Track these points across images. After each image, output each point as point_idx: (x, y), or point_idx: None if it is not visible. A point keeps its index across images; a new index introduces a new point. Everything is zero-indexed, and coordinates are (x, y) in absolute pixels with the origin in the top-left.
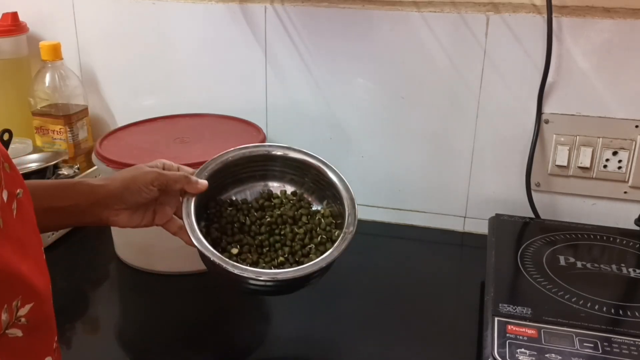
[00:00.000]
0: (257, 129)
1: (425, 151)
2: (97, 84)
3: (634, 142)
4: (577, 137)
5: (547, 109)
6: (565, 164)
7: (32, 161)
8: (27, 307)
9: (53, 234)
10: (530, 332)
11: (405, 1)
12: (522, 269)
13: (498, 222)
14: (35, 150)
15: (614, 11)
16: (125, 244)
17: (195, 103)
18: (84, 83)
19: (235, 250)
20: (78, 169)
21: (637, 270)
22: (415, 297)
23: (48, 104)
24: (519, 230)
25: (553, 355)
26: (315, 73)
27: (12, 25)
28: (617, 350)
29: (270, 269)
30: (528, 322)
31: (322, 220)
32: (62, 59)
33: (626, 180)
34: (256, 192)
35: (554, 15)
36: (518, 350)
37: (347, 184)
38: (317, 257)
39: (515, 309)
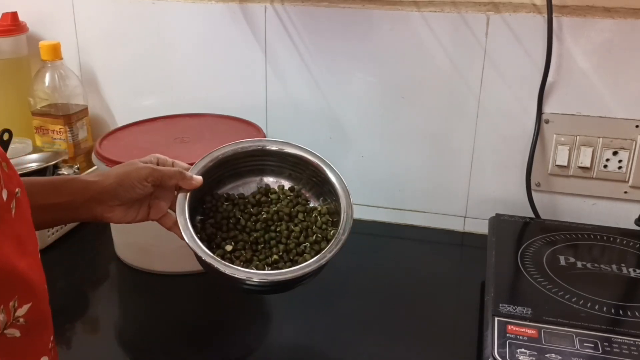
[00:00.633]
0: (257, 128)
1: (426, 151)
2: (97, 84)
3: (634, 142)
4: (578, 137)
5: (547, 109)
6: (565, 163)
7: (32, 161)
8: (26, 307)
9: (53, 234)
10: (531, 332)
11: (405, 1)
12: (522, 269)
13: (498, 222)
14: (35, 150)
15: (614, 11)
16: (125, 244)
17: (195, 103)
18: (84, 83)
19: (229, 247)
20: (78, 168)
21: (637, 270)
22: (416, 297)
23: (48, 104)
24: (519, 230)
25: (553, 355)
26: (315, 73)
27: (12, 25)
28: (617, 350)
29: (264, 267)
30: (528, 322)
31: (319, 218)
32: (61, 58)
33: (626, 180)
34: (253, 186)
35: (554, 15)
36: (518, 351)
37: (343, 180)
38: (312, 256)
39: (516, 309)
